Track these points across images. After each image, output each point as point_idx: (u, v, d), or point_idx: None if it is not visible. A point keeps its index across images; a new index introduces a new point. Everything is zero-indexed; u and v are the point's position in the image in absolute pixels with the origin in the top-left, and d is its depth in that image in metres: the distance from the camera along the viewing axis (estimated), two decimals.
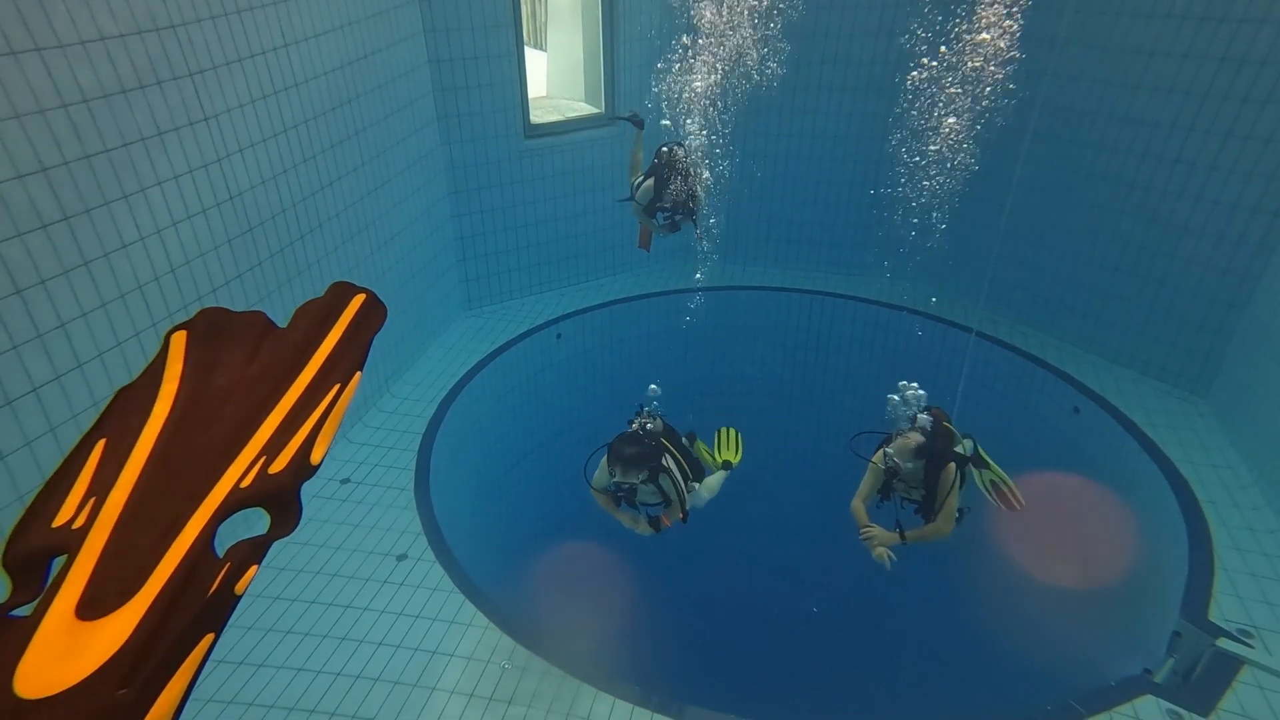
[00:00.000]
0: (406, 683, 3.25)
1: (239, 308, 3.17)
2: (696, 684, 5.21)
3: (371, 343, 0.63)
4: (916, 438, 3.54)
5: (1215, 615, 3.55)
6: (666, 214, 4.59)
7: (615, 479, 3.63)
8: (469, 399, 5.34)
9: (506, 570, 4.90)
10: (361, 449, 4.70)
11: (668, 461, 3.79)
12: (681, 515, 3.81)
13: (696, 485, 4.04)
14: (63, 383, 2.82)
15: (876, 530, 3.55)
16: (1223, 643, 3.38)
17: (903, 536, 3.50)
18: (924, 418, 3.67)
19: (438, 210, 5.63)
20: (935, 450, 3.51)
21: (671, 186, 4.51)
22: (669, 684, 3.35)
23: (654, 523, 3.86)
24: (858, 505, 3.68)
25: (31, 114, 2.58)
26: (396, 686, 3.23)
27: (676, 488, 3.76)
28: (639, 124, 5.36)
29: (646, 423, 3.94)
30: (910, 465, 3.51)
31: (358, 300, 0.64)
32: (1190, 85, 4.67)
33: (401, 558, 3.92)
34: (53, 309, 2.76)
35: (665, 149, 4.71)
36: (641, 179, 4.74)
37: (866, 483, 3.71)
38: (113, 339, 3.01)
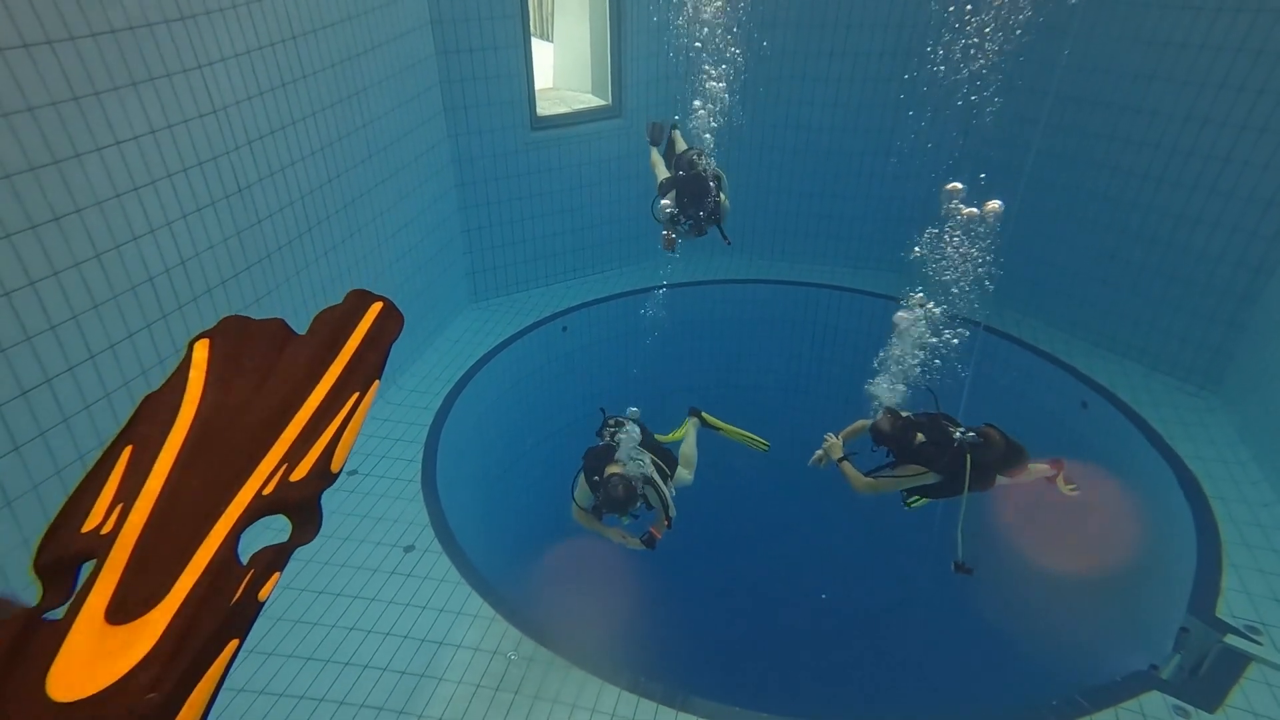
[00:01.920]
0: (413, 672, 3.28)
1: (247, 300, 3.17)
2: (702, 675, 5.24)
3: (389, 351, 0.63)
4: (880, 419, 3.64)
5: (1223, 612, 3.54)
6: (690, 218, 4.45)
7: (621, 519, 3.61)
8: (476, 391, 5.35)
9: (513, 562, 4.93)
10: (369, 440, 4.72)
11: (649, 470, 3.70)
12: (667, 522, 3.72)
13: (672, 485, 3.95)
14: (75, 374, 2.85)
15: (833, 443, 3.88)
16: (1231, 639, 3.37)
17: (839, 460, 3.81)
18: (970, 434, 3.61)
19: (444, 202, 5.63)
20: (899, 445, 3.61)
21: (693, 207, 4.36)
22: (674, 675, 3.38)
23: (648, 540, 3.73)
24: (860, 424, 3.97)
25: (44, 106, 2.59)
26: (404, 676, 3.26)
27: (661, 496, 3.69)
28: (656, 139, 5.20)
29: (618, 433, 3.81)
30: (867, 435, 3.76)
31: (375, 308, 0.64)
32: (1205, 77, 4.61)
33: (409, 549, 3.95)
34: (65, 301, 2.77)
35: (686, 159, 4.55)
36: (662, 192, 4.57)
37: (865, 425, 3.97)
38: (124, 330, 3.03)
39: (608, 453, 3.71)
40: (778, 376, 6.93)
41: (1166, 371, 5.24)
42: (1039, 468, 3.90)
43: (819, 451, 3.89)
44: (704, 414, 4.62)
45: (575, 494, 3.81)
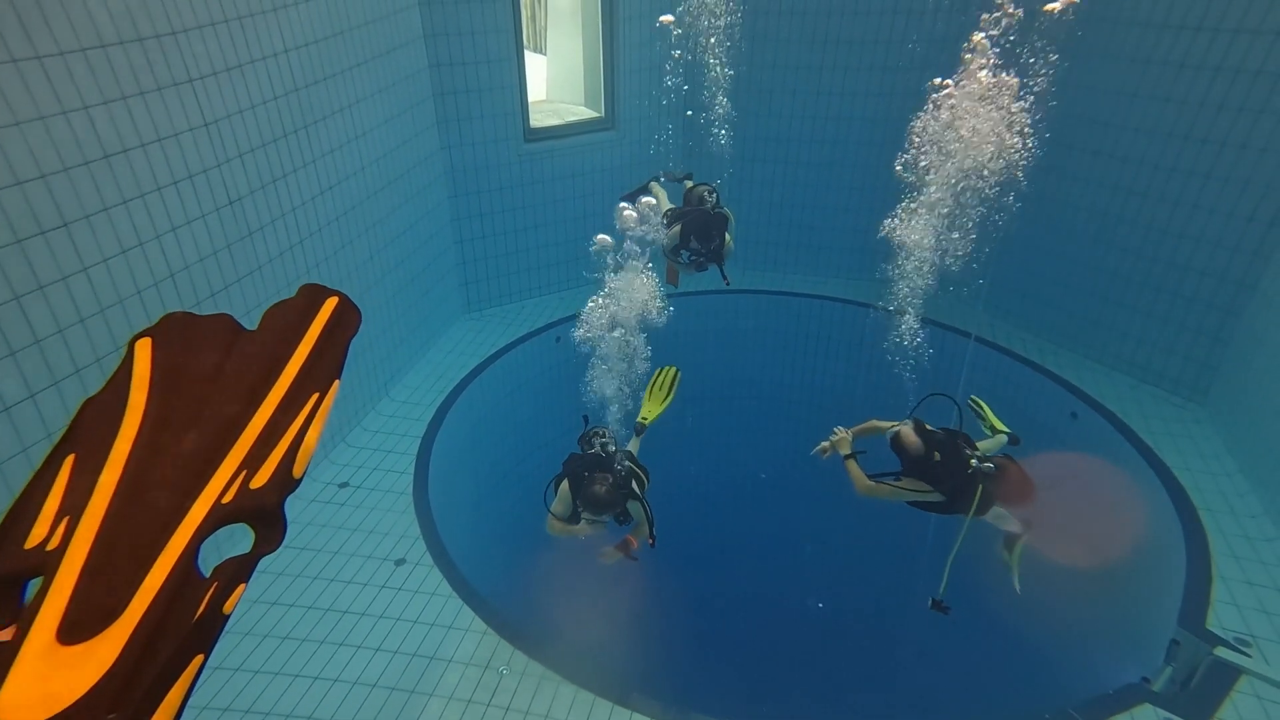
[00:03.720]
0: (404, 688, 3.24)
1: (238, 311, 3.16)
2: (695, 688, 5.20)
3: (348, 348, 0.61)
4: (906, 433, 3.53)
5: (1213, 624, 3.54)
6: (693, 254, 4.44)
7: (590, 519, 3.54)
8: (468, 402, 5.34)
9: (505, 575, 4.89)
10: (360, 453, 4.70)
11: (633, 484, 3.67)
12: (650, 540, 3.66)
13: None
14: (60, 388, 2.83)
15: (841, 437, 3.78)
16: (1220, 652, 3.37)
17: (846, 457, 3.72)
18: (988, 465, 3.50)
19: (437, 214, 5.64)
20: (916, 460, 3.52)
21: (697, 242, 4.36)
22: (667, 688, 3.35)
23: (622, 546, 3.66)
24: (873, 424, 3.86)
25: (31, 121, 2.59)
26: (394, 692, 3.22)
27: (645, 510, 3.64)
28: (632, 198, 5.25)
29: (608, 443, 3.74)
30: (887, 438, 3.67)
31: (330, 304, 0.61)
32: (1186, 94, 4.68)
33: (400, 562, 3.92)
34: (51, 315, 2.76)
35: (695, 194, 4.55)
36: (668, 222, 4.57)
37: (884, 425, 3.86)
38: (111, 344, 3.01)
39: (593, 461, 3.68)
40: (766, 387, 6.93)
41: (1154, 383, 5.27)
42: (1014, 521, 3.74)
43: (825, 443, 3.81)
44: (642, 421, 4.55)
45: (552, 504, 3.75)
